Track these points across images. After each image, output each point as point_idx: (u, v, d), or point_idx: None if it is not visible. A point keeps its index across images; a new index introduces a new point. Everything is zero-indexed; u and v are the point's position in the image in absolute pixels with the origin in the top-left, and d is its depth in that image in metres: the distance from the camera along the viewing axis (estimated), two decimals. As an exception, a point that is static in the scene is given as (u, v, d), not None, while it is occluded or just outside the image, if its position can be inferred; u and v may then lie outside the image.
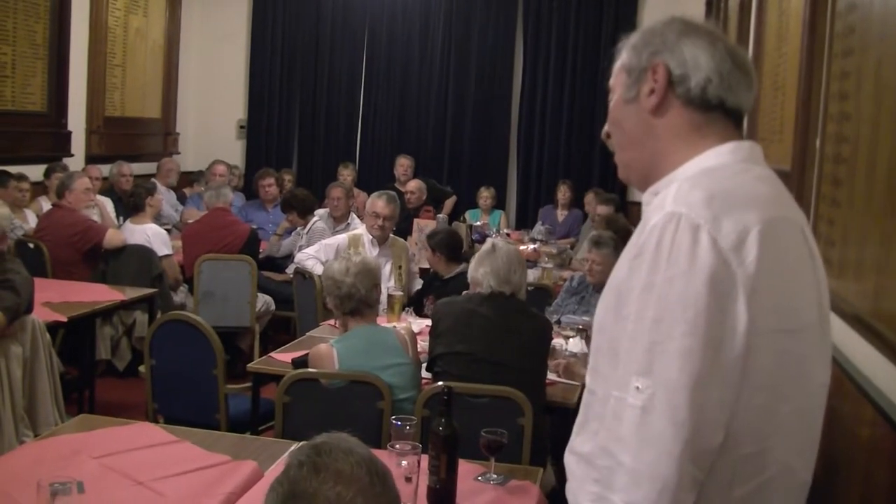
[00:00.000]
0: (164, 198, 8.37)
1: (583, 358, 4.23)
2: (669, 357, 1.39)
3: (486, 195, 9.54)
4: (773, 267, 1.44)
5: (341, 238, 6.06)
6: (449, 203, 9.71)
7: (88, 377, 5.64)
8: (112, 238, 6.32)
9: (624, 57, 1.68)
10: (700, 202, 1.44)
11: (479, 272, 3.82)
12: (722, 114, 1.61)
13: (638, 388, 1.41)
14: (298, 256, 6.24)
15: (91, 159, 8.51)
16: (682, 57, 1.60)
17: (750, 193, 1.51)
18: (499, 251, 3.84)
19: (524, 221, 9.89)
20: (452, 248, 5.36)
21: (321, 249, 6.01)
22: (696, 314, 1.39)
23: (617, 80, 1.70)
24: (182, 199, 9.20)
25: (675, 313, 1.40)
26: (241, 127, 10.93)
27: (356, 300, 3.62)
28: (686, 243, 1.41)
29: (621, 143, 1.70)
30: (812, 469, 1.59)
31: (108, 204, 7.82)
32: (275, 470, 2.79)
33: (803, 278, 1.53)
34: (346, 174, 9.56)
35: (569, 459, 1.63)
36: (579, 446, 1.58)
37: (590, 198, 8.70)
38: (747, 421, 1.44)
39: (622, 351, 1.47)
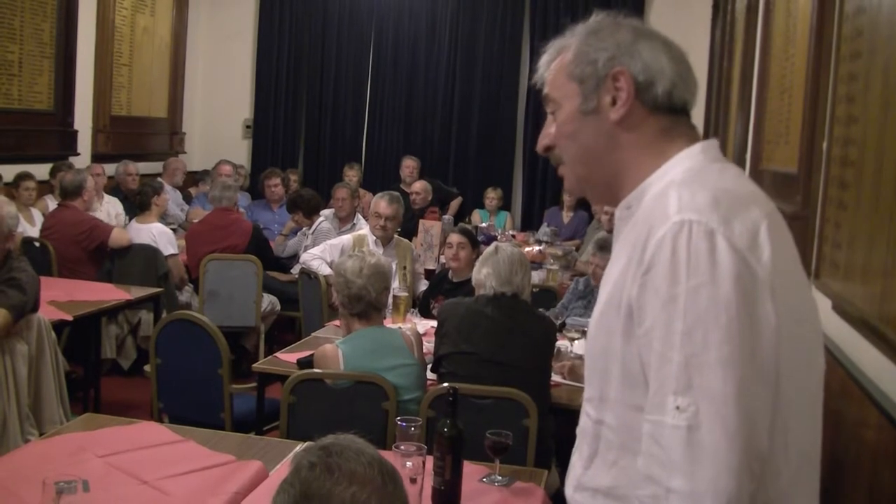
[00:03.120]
0: (170, 197, 8.39)
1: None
2: (710, 368, 1.33)
3: (492, 196, 9.55)
4: (782, 260, 1.40)
5: (346, 238, 6.08)
6: (454, 204, 9.72)
7: (94, 376, 5.64)
8: (118, 237, 6.33)
9: (569, 65, 1.58)
10: (707, 206, 1.38)
11: (482, 273, 3.84)
12: (685, 115, 1.57)
13: (678, 407, 1.34)
14: (304, 257, 6.25)
15: (97, 158, 8.53)
16: (643, 62, 1.52)
17: (742, 191, 1.48)
18: (501, 253, 3.86)
19: (530, 223, 9.89)
20: None
21: (326, 250, 6.03)
22: (730, 320, 1.33)
23: (563, 91, 1.59)
24: (188, 199, 9.21)
25: (707, 323, 1.33)
26: (248, 127, 10.94)
27: (365, 303, 3.61)
28: (704, 250, 1.35)
29: (575, 157, 1.61)
30: (820, 454, 1.55)
31: (117, 205, 7.85)
32: (280, 470, 2.80)
33: (799, 267, 1.51)
34: (352, 175, 9.56)
35: (579, 497, 1.57)
36: (592, 481, 1.53)
37: (596, 198, 8.67)
38: (776, 414, 1.38)
39: (650, 371, 1.39)
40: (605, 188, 1.62)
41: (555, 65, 1.62)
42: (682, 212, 1.38)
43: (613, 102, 1.53)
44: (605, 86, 1.53)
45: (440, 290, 5.41)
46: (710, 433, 1.31)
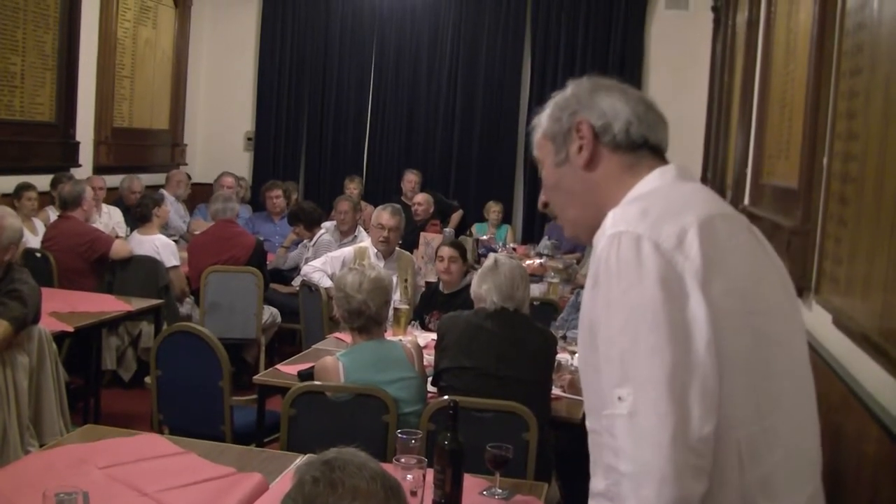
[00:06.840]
0: (173, 208, 8.39)
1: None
2: (641, 358, 1.45)
3: (495, 209, 9.56)
4: (722, 255, 1.51)
5: (347, 251, 6.07)
6: (455, 217, 9.72)
7: (94, 387, 5.64)
8: (119, 249, 6.33)
9: (544, 127, 1.78)
10: (636, 217, 1.53)
11: (483, 288, 3.83)
12: (648, 150, 1.71)
13: (620, 398, 1.46)
14: (305, 269, 6.24)
15: (99, 170, 8.54)
16: (599, 109, 1.71)
17: (684, 202, 1.60)
18: (501, 267, 3.85)
19: (531, 236, 9.90)
20: None
21: (328, 262, 6.02)
22: (655, 312, 1.45)
23: (543, 151, 1.79)
24: (189, 210, 9.21)
25: (636, 318, 1.46)
26: (249, 139, 10.96)
27: (365, 317, 3.62)
28: (632, 256, 1.49)
29: (563, 204, 1.79)
30: (819, 447, 1.63)
31: (116, 214, 7.86)
32: (281, 482, 2.80)
33: (759, 263, 1.61)
34: (353, 187, 9.56)
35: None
36: (595, 486, 1.60)
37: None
38: (738, 402, 1.48)
39: (603, 373, 1.51)
40: (592, 227, 1.72)
41: (538, 132, 1.82)
42: (615, 226, 1.54)
43: (580, 150, 1.72)
44: (571, 137, 1.73)
45: (434, 305, 5.41)
46: (646, 417, 1.44)
